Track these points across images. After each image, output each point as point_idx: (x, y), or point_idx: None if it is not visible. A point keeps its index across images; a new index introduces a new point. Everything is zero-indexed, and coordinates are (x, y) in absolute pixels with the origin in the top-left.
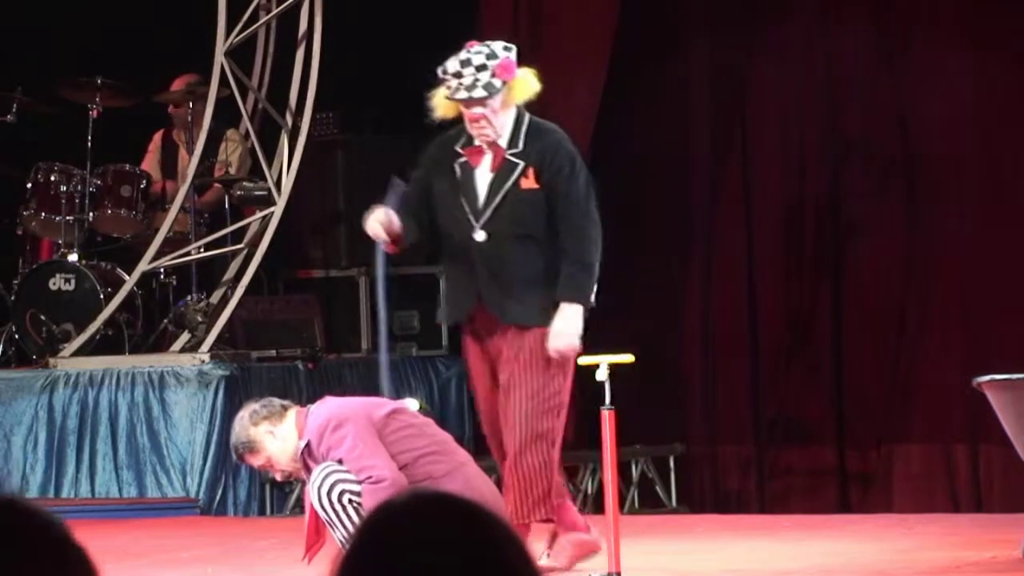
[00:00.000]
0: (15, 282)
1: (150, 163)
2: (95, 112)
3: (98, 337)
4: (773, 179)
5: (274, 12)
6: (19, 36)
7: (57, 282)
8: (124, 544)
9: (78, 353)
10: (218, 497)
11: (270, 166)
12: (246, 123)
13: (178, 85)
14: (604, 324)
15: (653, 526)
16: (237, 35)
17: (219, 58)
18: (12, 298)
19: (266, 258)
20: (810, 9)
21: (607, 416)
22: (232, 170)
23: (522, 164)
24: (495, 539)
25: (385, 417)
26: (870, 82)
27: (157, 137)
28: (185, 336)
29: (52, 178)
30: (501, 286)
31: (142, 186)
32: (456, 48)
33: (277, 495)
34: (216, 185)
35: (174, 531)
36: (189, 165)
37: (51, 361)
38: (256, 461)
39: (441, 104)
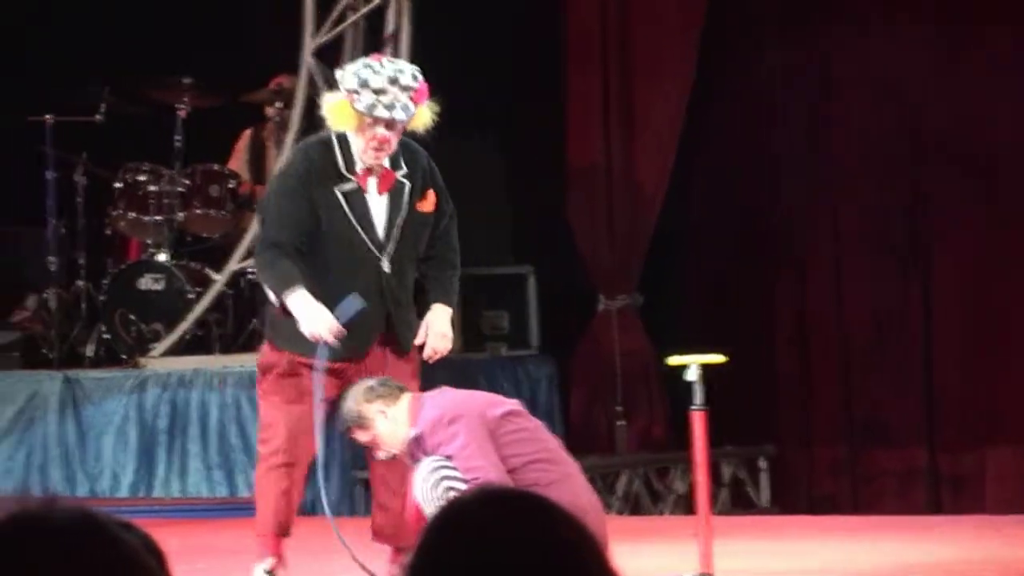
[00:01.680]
0: (104, 282)
1: (238, 162)
2: (183, 112)
3: (188, 337)
4: (861, 179)
5: (361, 12)
6: (107, 36)
7: (146, 282)
8: (215, 543)
9: (168, 353)
10: (308, 497)
11: None
12: None
13: (273, 85)
14: (695, 325)
15: (744, 527)
16: (324, 35)
17: (306, 58)
18: (101, 298)
19: None
20: (892, 7)
21: (698, 417)
22: None
23: (410, 185)
24: (568, 540)
25: (500, 418)
26: (952, 80)
27: (245, 136)
28: None
29: (141, 178)
30: (400, 314)
31: (230, 186)
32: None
33: (367, 496)
34: None
35: None
36: (277, 165)
37: (141, 361)
38: (362, 437)
39: (344, 115)
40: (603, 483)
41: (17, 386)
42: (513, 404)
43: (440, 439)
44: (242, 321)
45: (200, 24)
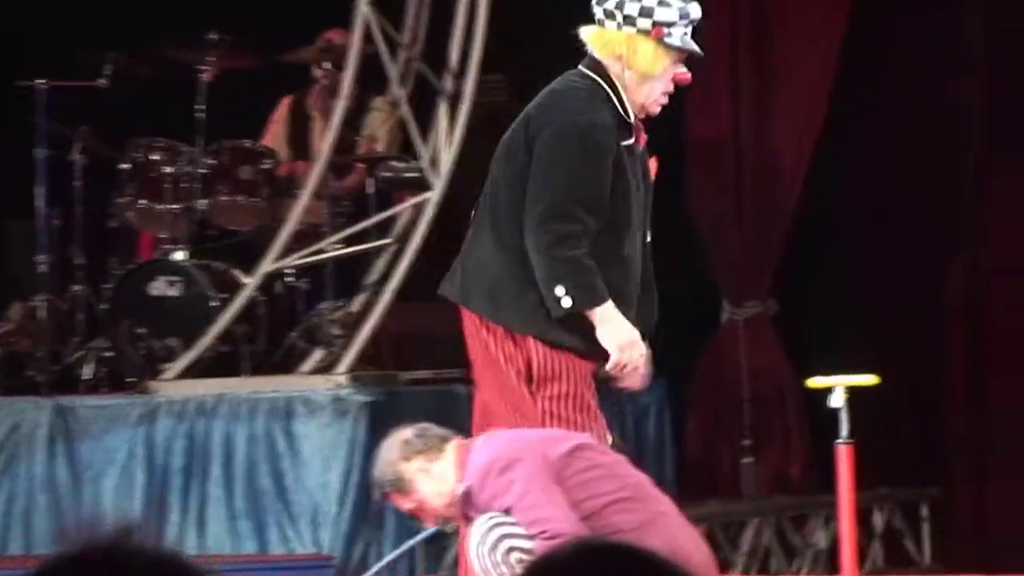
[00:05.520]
0: (107, 287)
1: (275, 138)
2: (208, 75)
3: (210, 355)
4: None
5: None
6: None
7: (159, 286)
8: None
9: (185, 375)
10: (358, 554)
11: (425, 141)
12: (395, 88)
13: (321, 42)
14: (842, 338)
15: None
16: None
17: (362, 8)
18: (104, 307)
19: (420, 256)
20: None
21: (844, 452)
22: (378, 147)
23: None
24: None
25: (566, 455)
26: None
27: (284, 106)
28: (318, 353)
29: (154, 157)
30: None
31: (265, 166)
32: None
33: (429, 552)
34: (359, 165)
35: None
36: (325, 140)
37: (151, 385)
38: (405, 504)
39: (655, 56)
40: (725, 534)
41: None
42: (581, 437)
43: (494, 491)
44: (278, 335)
45: None
